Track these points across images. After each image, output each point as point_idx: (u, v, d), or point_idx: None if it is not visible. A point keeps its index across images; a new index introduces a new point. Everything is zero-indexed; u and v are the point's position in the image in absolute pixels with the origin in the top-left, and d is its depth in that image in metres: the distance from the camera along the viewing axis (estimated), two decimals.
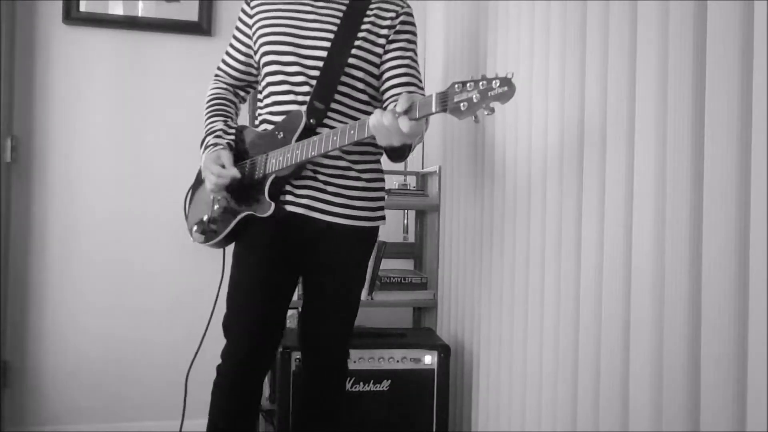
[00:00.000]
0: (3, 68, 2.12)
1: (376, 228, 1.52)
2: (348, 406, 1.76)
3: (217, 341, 1.43)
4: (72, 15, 2.24)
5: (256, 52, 1.47)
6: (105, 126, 2.30)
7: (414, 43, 1.49)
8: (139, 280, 2.32)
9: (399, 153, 1.33)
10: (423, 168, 2.51)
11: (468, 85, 1.06)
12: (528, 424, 1.42)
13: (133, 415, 2.30)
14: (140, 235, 2.32)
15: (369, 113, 1.40)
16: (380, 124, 1.14)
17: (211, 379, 1.44)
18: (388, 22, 1.44)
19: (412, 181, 2.51)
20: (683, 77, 0.91)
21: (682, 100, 0.91)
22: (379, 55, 1.44)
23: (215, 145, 1.45)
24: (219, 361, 1.44)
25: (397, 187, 2.34)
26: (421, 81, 1.50)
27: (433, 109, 1.10)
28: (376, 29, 1.43)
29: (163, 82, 2.34)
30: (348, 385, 1.77)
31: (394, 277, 2.18)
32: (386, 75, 1.45)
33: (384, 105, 1.46)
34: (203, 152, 1.46)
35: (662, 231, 0.95)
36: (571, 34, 1.24)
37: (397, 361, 1.79)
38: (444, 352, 1.81)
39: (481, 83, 1.05)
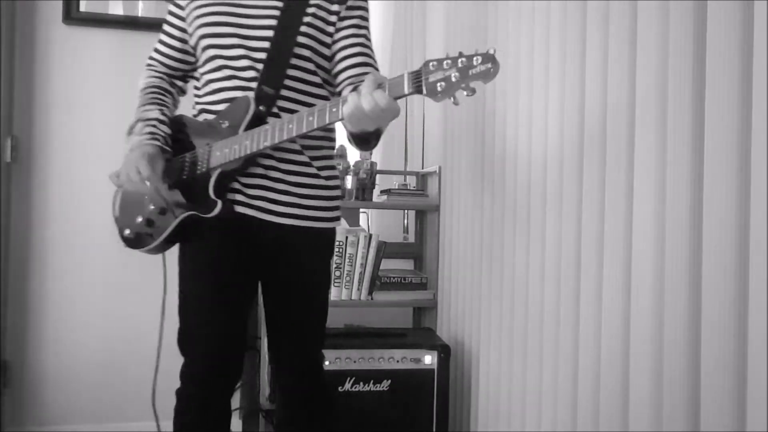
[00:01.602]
0: (3, 68, 2.12)
1: (333, 230, 1.39)
2: (348, 406, 1.76)
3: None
4: (72, 15, 2.24)
5: (191, 35, 1.33)
6: (105, 126, 2.30)
7: (367, 20, 1.36)
8: (140, 280, 2.32)
9: (367, 139, 1.19)
10: (423, 168, 2.51)
11: (445, 63, 0.96)
12: (528, 424, 1.42)
13: (133, 415, 2.30)
14: None
15: (322, 97, 1.33)
16: (358, 105, 1.01)
17: None
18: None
19: (412, 181, 2.51)
20: (683, 77, 0.91)
21: (683, 100, 0.91)
22: (330, 34, 1.31)
23: (152, 134, 1.28)
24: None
25: (397, 187, 2.34)
26: (376, 62, 1.37)
27: (405, 90, 0.99)
28: (326, 4, 1.29)
29: None
30: (348, 385, 1.77)
31: (394, 277, 2.17)
32: (339, 55, 1.32)
33: (338, 88, 1.34)
34: (133, 138, 1.29)
35: (662, 231, 0.95)
36: (571, 34, 1.24)
37: (397, 361, 1.79)
38: (444, 352, 1.81)
39: (460, 60, 0.95)
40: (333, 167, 1.39)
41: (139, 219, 1.30)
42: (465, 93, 0.97)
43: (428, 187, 2.39)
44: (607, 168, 1.11)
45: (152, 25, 2.30)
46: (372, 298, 2.12)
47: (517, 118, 1.52)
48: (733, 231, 0.81)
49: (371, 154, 2.38)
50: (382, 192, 2.38)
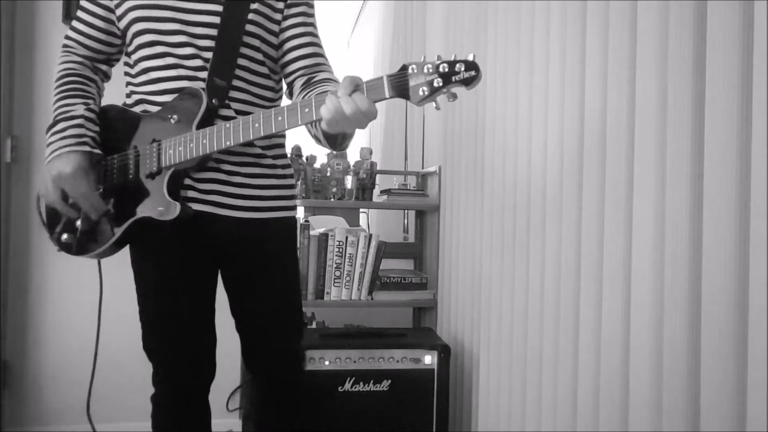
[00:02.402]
0: (3, 68, 2.12)
1: (294, 218, 1.34)
2: (348, 406, 1.76)
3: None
4: (72, 15, 2.23)
5: (120, 18, 1.21)
6: None
7: (313, 8, 1.31)
8: None
9: (342, 140, 1.14)
10: (423, 168, 2.51)
11: (425, 67, 0.94)
12: (528, 424, 1.42)
13: (133, 415, 2.30)
14: None
15: (269, 88, 1.28)
16: (338, 109, 0.96)
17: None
18: None
19: (412, 181, 2.51)
20: (683, 77, 0.91)
21: (682, 100, 0.91)
22: (278, 22, 1.25)
23: (80, 138, 1.16)
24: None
25: (397, 187, 2.34)
26: (324, 52, 1.31)
27: (386, 94, 0.96)
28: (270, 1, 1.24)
29: None
30: (348, 385, 1.77)
31: (394, 277, 2.18)
32: (289, 44, 1.26)
33: (289, 79, 1.28)
34: (57, 142, 1.15)
35: (662, 231, 0.95)
36: (570, 34, 1.24)
37: (397, 361, 1.79)
38: (444, 352, 1.81)
39: (441, 66, 0.94)
40: (285, 155, 1.34)
41: (78, 222, 1.21)
42: (449, 99, 0.96)
43: (428, 187, 2.39)
44: (607, 168, 1.11)
45: None
46: (372, 298, 2.12)
47: (517, 118, 1.52)
48: (733, 231, 0.81)
49: (371, 153, 2.38)
50: (382, 192, 2.39)
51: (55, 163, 1.14)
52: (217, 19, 1.18)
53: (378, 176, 2.42)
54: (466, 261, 1.90)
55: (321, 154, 2.30)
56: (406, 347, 1.81)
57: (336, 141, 1.13)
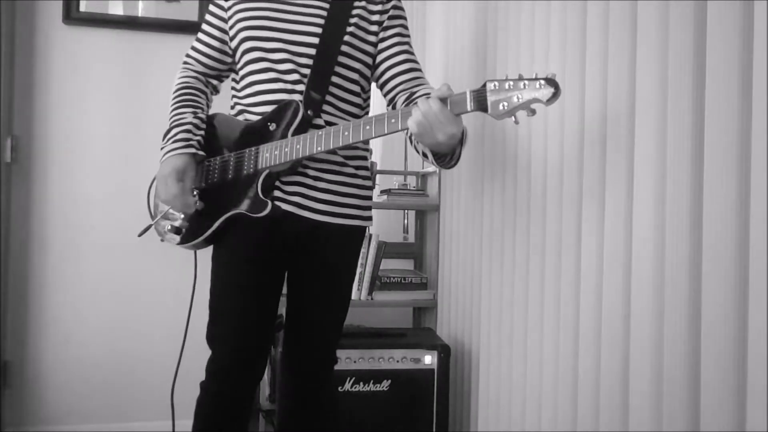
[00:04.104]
0: (3, 68, 2.12)
1: (365, 228, 1.43)
2: (348, 406, 1.76)
3: (196, 348, 1.36)
4: (72, 15, 2.24)
5: (232, 38, 1.35)
6: (105, 126, 2.30)
7: (407, 28, 1.42)
8: (140, 281, 2.32)
9: (444, 156, 1.18)
10: (423, 168, 2.51)
11: (507, 84, 1.00)
12: (528, 424, 1.42)
13: (133, 415, 2.30)
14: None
15: (359, 105, 1.37)
16: (430, 111, 1.03)
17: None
18: (379, 8, 1.36)
19: (412, 181, 2.51)
20: (683, 77, 0.91)
21: (682, 100, 0.91)
22: (372, 43, 1.36)
23: (186, 141, 1.31)
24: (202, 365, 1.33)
25: (397, 187, 2.34)
26: (421, 68, 1.42)
27: (468, 107, 1.03)
28: (367, 15, 1.34)
29: (164, 82, 2.34)
30: (348, 385, 1.77)
31: (394, 277, 2.18)
32: (388, 63, 1.37)
33: (389, 96, 1.39)
34: (168, 145, 1.32)
35: (662, 231, 0.95)
36: (571, 34, 1.24)
37: (397, 361, 1.79)
38: (444, 352, 1.81)
39: (522, 83, 1.00)
40: (368, 168, 1.42)
41: (181, 215, 1.36)
42: (528, 114, 1.01)
43: (428, 187, 2.39)
44: (608, 168, 1.11)
45: (152, 25, 2.31)
46: (372, 298, 2.12)
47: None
48: (733, 230, 0.81)
49: (371, 153, 2.38)
50: (382, 192, 2.39)
51: (163, 164, 1.30)
52: (315, 39, 1.29)
53: (378, 176, 2.42)
54: (466, 261, 1.89)
55: None
56: (406, 347, 1.81)
57: (444, 159, 1.18)
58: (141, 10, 2.29)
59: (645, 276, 0.99)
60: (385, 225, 3.07)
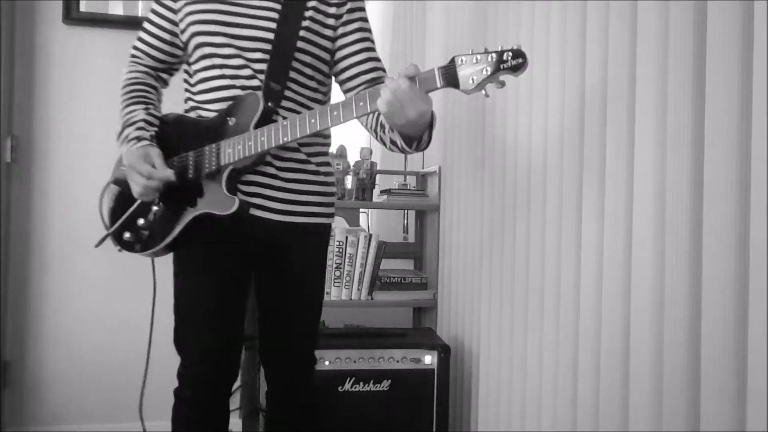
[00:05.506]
0: (3, 68, 2.12)
1: (330, 225, 1.40)
2: (348, 406, 1.76)
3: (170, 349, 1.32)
4: (72, 15, 2.24)
5: (183, 31, 1.30)
6: (105, 126, 2.29)
7: (368, 21, 1.36)
8: (140, 281, 2.32)
9: (412, 140, 1.16)
10: (423, 168, 2.51)
11: (474, 58, 1.00)
12: (528, 424, 1.42)
13: (133, 415, 2.30)
14: None
15: (318, 101, 1.34)
16: (399, 89, 1.01)
17: None
18: (335, 0, 1.30)
19: (412, 181, 2.51)
20: (683, 77, 0.91)
21: (682, 100, 0.91)
22: (329, 38, 1.31)
23: (139, 139, 1.25)
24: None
25: (397, 187, 2.34)
26: (383, 66, 1.37)
27: (438, 84, 1.02)
28: (324, 8, 1.29)
29: None
30: (348, 385, 1.77)
31: (394, 277, 2.17)
32: (350, 61, 1.32)
33: (350, 94, 1.32)
34: (123, 146, 1.27)
35: (662, 231, 0.95)
36: (571, 31, 1.24)
37: (397, 361, 1.79)
38: (444, 352, 1.81)
39: (489, 56, 0.99)
40: (329, 163, 1.38)
41: (141, 221, 1.28)
42: (497, 86, 1.01)
43: (428, 187, 2.39)
44: (607, 169, 1.11)
45: None
46: (372, 298, 2.12)
47: (517, 118, 1.52)
48: (733, 231, 0.81)
49: (371, 153, 2.38)
50: (382, 192, 2.39)
51: (126, 159, 1.25)
52: (267, 34, 1.24)
53: (378, 176, 2.42)
54: (466, 261, 1.89)
55: None
56: (406, 347, 1.81)
57: (413, 143, 1.16)
58: (141, 10, 2.29)
59: (645, 276, 0.99)
60: (385, 225, 3.07)
